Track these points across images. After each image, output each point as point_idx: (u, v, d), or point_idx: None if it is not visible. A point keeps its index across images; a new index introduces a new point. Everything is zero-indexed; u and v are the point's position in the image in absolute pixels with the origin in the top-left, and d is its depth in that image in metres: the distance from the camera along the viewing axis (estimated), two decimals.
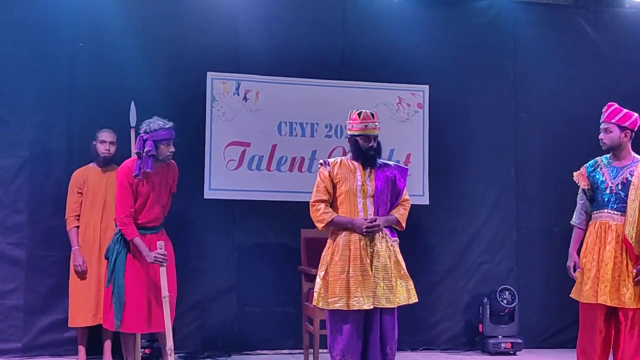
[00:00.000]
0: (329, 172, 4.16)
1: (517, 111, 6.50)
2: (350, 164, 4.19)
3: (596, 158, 4.34)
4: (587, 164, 4.37)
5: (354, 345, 4.01)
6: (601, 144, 4.22)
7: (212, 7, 5.95)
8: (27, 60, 5.57)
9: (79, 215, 5.19)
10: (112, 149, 5.24)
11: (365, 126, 4.12)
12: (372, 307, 3.98)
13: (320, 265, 4.16)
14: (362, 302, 3.96)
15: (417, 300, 4.16)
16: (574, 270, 4.27)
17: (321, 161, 4.25)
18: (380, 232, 4.10)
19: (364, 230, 4.03)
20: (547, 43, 6.54)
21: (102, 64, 5.68)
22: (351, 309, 3.97)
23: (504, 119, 6.48)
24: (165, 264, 4.36)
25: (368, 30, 6.22)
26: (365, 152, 4.15)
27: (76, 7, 5.66)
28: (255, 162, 5.96)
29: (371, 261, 4.04)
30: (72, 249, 5.15)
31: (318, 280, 4.11)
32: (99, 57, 5.69)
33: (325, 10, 6.22)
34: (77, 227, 5.18)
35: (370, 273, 4.00)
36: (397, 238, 4.21)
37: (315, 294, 4.10)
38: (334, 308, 4.00)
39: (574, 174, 4.41)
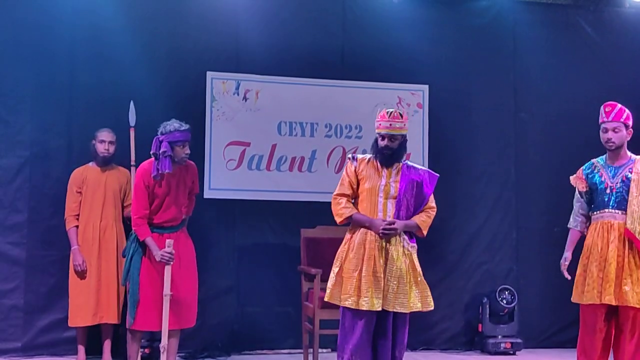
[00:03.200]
0: (355, 167, 4.17)
1: (517, 111, 6.50)
2: (377, 163, 4.18)
3: (591, 160, 4.35)
4: (583, 167, 4.37)
5: (364, 346, 3.99)
6: (609, 143, 4.18)
7: (212, 6, 5.95)
8: (27, 60, 5.57)
9: (78, 215, 5.19)
10: (112, 148, 5.24)
11: (380, 125, 4.13)
12: (380, 308, 3.95)
13: (335, 260, 4.16)
14: (372, 303, 3.94)
15: (432, 307, 4.16)
16: (566, 268, 4.29)
17: (350, 155, 4.27)
18: (398, 236, 4.07)
19: (380, 232, 4.01)
20: (547, 43, 6.54)
21: (101, 63, 5.68)
22: (360, 308, 3.95)
23: (504, 119, 6.48)
24: (171, 263, 4.38)
25: (368, 30, 6.21)
26: (380, 150, 4.14)
27: (76, 6, 5.66)
28: (255, 161, 5.96)
29: (385, 264, 4.01)
30: (72, 248, 5.15)
31: (332, 275, 4.11)
32: (99, 57, 5.69)
33: (325, 10, 6.22)
34: (77, 226, 5.18)
35: (382, 275, 3.98)
36: (415, 244, 4.16)
37: (327, 290, 4.10)
38: (345, 305, 4.00)
39: (571, 177, 4.41)
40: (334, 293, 4.07)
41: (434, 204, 4.24)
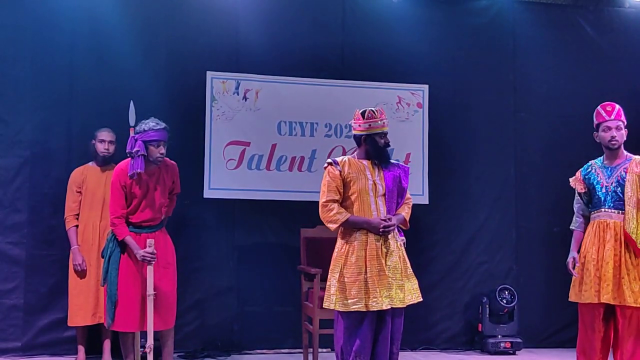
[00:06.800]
0: (339, 171, 4.09)
1: (516, 111, 6.51)
2: (359, 163, 4.14)
3: (589, 162, 4.37)
4: (582, 169, 4.39)
5: (367, 346, 3.98)
6: (613, 142, 4.17)
7: (212, 6, 5.95)
8: (27, 60, 5.58)
9: (78, 215, 5.19)
10: (111, 148, 5.25)
11: (383, 123, 4.12)
12: (389, 307, 3.95)
13: (332, 267, 4.09)
14: (381, 303, 3.92)
15: (422, 299, 4.16)
16: (573, 267, 4.22)
17: (329, 160, 4.16)
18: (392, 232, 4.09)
19: (380, 229, 4.00)
20: (546, 42, 6.54)
21: (101, 63, 5.69)
22: (370, 309, 3.93)
23: (504, 118, 6.48)
24: (152, 263, 4.35)
25: (368, 30, 6.22)
26: (383, 149, 4.13)
27: (76, 6, 5.66)
28: (255, 161, 5.96)
29: (385, 261, 4.01)
30: (72, 248, 5.15)
31: (333, 282, 4.03)
32: (99, 57, 5.69)
33: (325, 10, 6.22)
34: (76, 226, 5.18)
35: (386, 273, 3.98)
36: (404, 237, 4.21)
37: (332, 297, 4.01)
38: (353, 310, 3.94)
39: (570, 179, 4.42)
40: (338, 299, 3.99)
41: (409, 195, 4.31)
